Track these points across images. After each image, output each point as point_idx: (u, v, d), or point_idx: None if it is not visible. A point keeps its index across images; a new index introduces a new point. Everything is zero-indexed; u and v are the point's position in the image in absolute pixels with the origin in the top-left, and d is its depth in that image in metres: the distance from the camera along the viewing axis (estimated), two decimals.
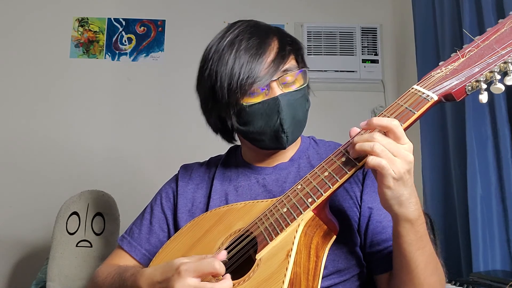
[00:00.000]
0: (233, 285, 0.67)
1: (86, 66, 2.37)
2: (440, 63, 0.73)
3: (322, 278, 0.70)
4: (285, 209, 0.73)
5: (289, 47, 0.88)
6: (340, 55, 2.39)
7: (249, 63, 0.83)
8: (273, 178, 0.92)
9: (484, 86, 0.67)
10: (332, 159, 0.73)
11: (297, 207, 0.72)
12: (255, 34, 0.87)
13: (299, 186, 0.75)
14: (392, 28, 2.47)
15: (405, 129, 0.68)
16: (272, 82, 0.84)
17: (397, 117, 0.69)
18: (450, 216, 1.69)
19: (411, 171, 0.66)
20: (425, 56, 1.92)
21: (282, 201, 0.75)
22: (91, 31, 2.41)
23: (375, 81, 2.40)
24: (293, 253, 0.67)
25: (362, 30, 2.40)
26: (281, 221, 0.72)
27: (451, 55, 0.74)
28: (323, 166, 0.74)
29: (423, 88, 0.71)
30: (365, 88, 2.41)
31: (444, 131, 1.76)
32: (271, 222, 0.73)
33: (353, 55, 2.39)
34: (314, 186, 0.72)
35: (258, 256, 0.71)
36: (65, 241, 1.45)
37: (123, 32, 2.42)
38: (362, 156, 0.68)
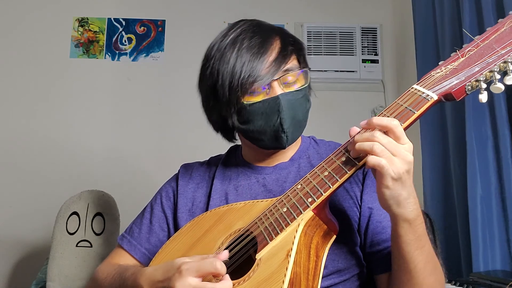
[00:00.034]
0: (233, 285, 0.67)
1: (86, 66, 2.37)
2: (440, 63, 0.73)
3: (322, 278, 0.70)
4: (285, 209, 0.73)
5: (291, 47, 0.88)
6: (340, 55, 2.39)
7: (251, 62, 0.83)
8: (273, 177, 0.92)
9: (484, 85, 0.67)
10: (332, 158, 0.73)
11: (297, 206, 0.72)
12: (257, 33, 0.87)
13: (299, 186, 0.75)
14: (392, 28, 2.47)
15: (405, 129, 0.68)
16: (273, 81, 0.84)
17: (397, 117, 0.69)
18: (450, 216, 1.69)
19: (411, 171, 0.66)
20: (425, 56, 1.92)
21: (282, 200, 0.75)
22: (91, 31, 2.41)
23: (375, 81, 2.40)
24: (293, 253, 0.67)
25: (362, 30, 2.41)
26: (281, 221, 0.72)
27: (451, 54, 0.74)
28: (323, 166, 0.74)
29: (423, 87, 0.71)
30: (365, 88, 2.41)
31: (444, 131, 1.76)
32: (271, 222, 0.73)
33: (353, 55, 2.39)
34: (314, 185, 0.72)
35: (258, 256, 0.71)
36: (65, 241, 1.46)
37: (123, 32, 2.42)
38: (362, 155, 0.68)
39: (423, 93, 0.70)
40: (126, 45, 2.41)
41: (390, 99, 2.35)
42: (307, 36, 2.39)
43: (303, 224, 0.70)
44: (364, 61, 2.38)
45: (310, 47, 2.38)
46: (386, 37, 2.46)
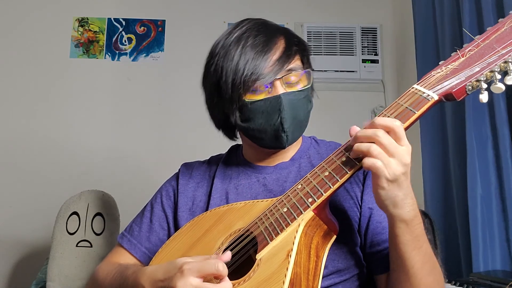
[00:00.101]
0: (233, 285, 0.67)
1: (86, 66, 2.37)
2: (440, 63, 0.73)
3: (322, 278, 0.70)
4: (285, 209, 0.73)
5: (296, 47, 0.88)
6: (340, 55, 2.39)
7: (254, 60, 0.83)
8: (274, 177, 0.92)
9: (485, 85, 0.67)
10: (333, 158, 0.73)
11: (297, 207, 0.72)
12: (262, 32, 0.87)
13: (300, 186, 0.75)
14: (392, 28, 2.47)
15: (405, 129, 0.67)
16: (276, 80, 0.84)
17: (397, 117, 0.69)
18: (450, 216, 1.69)
19: (407, 173, 0.66)
20: (425, 56, 1.92)
21: (282, 200, 0.75)
22: (91, 31, 2.41)
23: (375, 81, 2.40)
24: (293, 253, 0.67)
25: (362, 30, 2.40)
26: (281, 221, 0.72)
27: (451, 54, 0.74)
28: (323, 166, 0.74)
29: (423, 87, 0.70)
30: (365, 88, 2.41)
31: (444, 131, 1.76)
32: (271, 222, 0.73)
33: (353, 55, 2.39)
34: (314, 185, 0.72)
35: (258, 256, 0.71)
36: (65, 241, 1.45)
37: (123, 32, 2.42)
38: (362, 156, 0.68)
39: (424, 93, 0.70)
40: (126, 45, 2.41)
41: (390, 99, 2.35)
42: (307, 36, 2.40)
43: (304, 224, 0.70)
44: (364, 61, 2.38)
45: (310, 47, 2.38)
46: (386, 37, 2.46)
